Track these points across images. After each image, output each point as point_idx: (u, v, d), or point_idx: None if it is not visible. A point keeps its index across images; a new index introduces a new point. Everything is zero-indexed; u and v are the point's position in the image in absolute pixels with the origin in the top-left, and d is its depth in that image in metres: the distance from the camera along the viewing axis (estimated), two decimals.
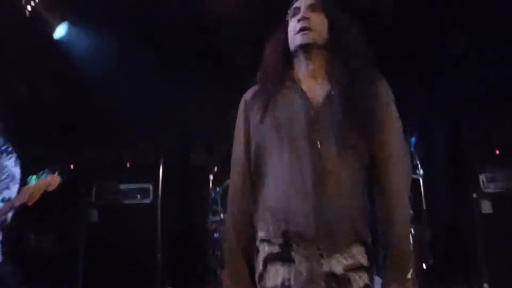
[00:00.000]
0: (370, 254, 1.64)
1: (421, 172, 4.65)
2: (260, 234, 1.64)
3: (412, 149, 4.52)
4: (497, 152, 5.32)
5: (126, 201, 5.59)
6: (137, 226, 5.28)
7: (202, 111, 5.65)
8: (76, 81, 5.37)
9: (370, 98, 1.59)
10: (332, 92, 1.60)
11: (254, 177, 1.70)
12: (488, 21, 4.71)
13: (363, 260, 1.61)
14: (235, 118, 1.79)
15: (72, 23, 5.18)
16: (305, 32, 1.61)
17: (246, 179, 1.72)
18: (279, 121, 1.61)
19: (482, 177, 5.03)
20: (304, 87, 1.65)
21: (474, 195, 5.05)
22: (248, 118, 1.72)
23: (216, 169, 5.53)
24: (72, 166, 5.52)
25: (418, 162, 4.63)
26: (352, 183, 1.60)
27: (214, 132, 5.71)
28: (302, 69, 1.67)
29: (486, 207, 4.95)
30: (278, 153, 1.62)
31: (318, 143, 1.57)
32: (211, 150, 6.03)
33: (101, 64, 5.14)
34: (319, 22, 1.63)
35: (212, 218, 5.35)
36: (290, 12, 1.69)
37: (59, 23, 5.12)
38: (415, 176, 4.64)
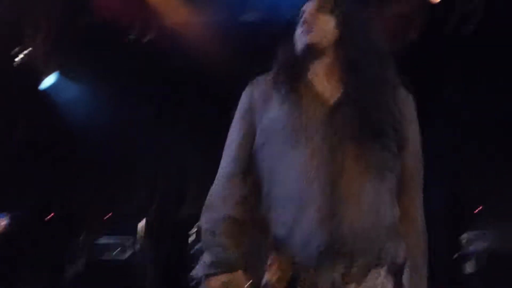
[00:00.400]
0: (400, 271, 1.41)
1: None
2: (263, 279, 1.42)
3: None
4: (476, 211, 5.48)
5: (104, 257, 5.42)
6: (114, 282, 5.07)
7: (188, 167, 5.65)
8: (62, 131, 5.34)
9: (387, 107, 1.44)
10: (345, 94, 1.45)
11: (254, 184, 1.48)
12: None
13: (387, 282, 1.38)
14: None
15: (62, 74, 5.23)
16: (306, 34, 1.49)
17: (245, 183, 1.49)
18: (290, 118, 1.43)
19: (464, 237, 5.10)
20: (316, 86, 1.49)
21: (456, 255, 5.09)
22: (254, 110, 1.52)
23: (198, 224, 5.43)
24: (52, 215, 5.39)
25: None
26: (374, 190, 1.37)
27: (200, 188, 5.67)
28: (314, 71, 1.52)
29: (469, 267, 4.97)
30: (289, 154, 1.41)
31: (334, 136, 1.38)
32: (194, 204, 5.95)
33: (89, 114, 5.16)
34: (323, 22, 1.50)
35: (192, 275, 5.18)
36: (298, 17, 1.55)
37: (49, 73, 5.17)
38: None
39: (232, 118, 1.60)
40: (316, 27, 1.49)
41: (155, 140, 5.36)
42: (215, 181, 1.53)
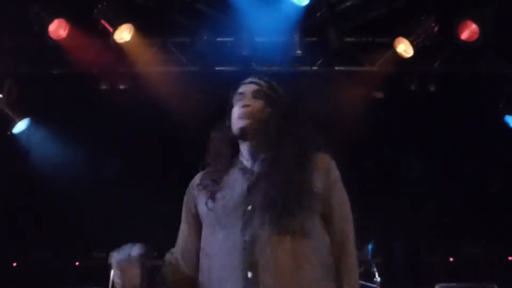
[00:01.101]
0: None
1: (379, 279, 4.63)
2: None
3: (369, 256, 4.54)
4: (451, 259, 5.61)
5: None
6: None
7: (159, 218, 5.56)
8: (31, 178, 5.24)
9: (306, 169, 1.64)
10: (263, 171, 1.66)
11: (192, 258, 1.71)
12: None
13: None
14: None
15: (33, 120, 5.18)
16: (244, 118, 1.71)
17: (184, 250, 1.75)
18: (218, 198, 1.65)
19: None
20: (245, 162, 1.73)
21: None
22: (195, 201, 1.76)
23: None
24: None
25: (375, 269, 4.62)
26: (293, 255, 1.53)
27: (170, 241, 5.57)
28: (245, 148, 1.74)
29: None
30: (213, 228, 1.64)
31: (250, 207, 1.58)
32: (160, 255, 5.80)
33: (60, 163, 5.09)
34: (259, 108, 1.74)
35: None
36: (235, 96, 1.80)
37: (20, 119, 5.11)
38: (372, 285, 4.62)
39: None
40: (253, 113, 1.72)
41: (124, 189, 5.30)
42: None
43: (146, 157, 5.53)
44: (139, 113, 4.95)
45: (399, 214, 5.57)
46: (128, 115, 4.95)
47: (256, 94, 1.76)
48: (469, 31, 4.52)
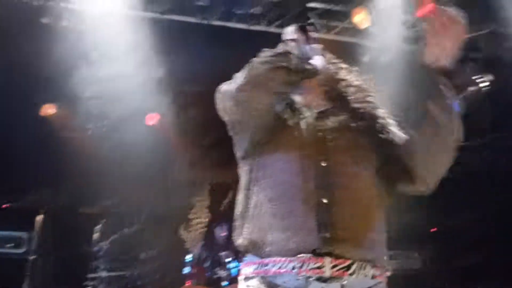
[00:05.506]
0: (384, 268, 1.53)
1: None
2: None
3: None
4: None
5: None
6: (4, 280, 4.67)
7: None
8: None
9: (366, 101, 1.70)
10: (330, 97, 1.74)
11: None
12: None
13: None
14: None
15: None
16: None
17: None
18: (287, 123, 1.64)
19: None
20: (306, 97, 1.72)
21: None
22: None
23: (103, 221, 5.21)
24: None
25: None
26: (360, 178, 1.56)
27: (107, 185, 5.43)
28: (303, 87, 1.73)
29: None
30: (284, 148, 1.62)
31: (320, 134, 1.61)
32: (99, 203, 5.66)
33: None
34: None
35: (91, 274, 4.96)
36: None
37: None
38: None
39: None
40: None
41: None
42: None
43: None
44: (83, 47, 4.62)
45: None
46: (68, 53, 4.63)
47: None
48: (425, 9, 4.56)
